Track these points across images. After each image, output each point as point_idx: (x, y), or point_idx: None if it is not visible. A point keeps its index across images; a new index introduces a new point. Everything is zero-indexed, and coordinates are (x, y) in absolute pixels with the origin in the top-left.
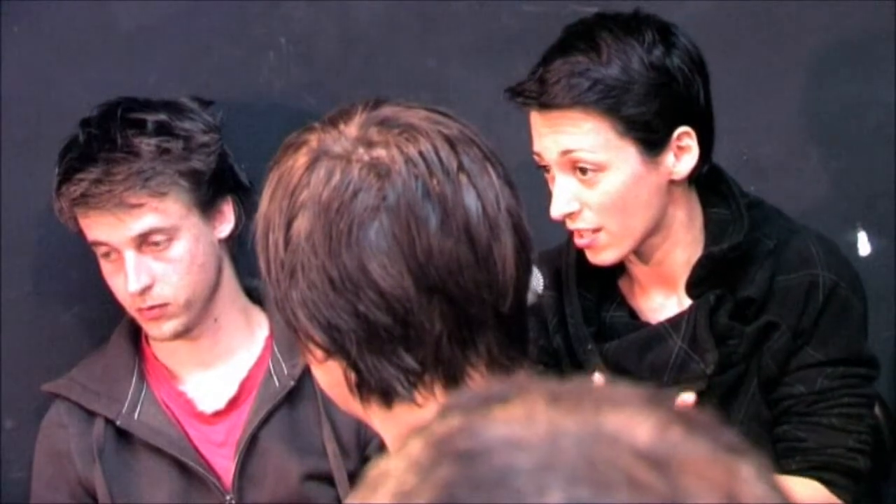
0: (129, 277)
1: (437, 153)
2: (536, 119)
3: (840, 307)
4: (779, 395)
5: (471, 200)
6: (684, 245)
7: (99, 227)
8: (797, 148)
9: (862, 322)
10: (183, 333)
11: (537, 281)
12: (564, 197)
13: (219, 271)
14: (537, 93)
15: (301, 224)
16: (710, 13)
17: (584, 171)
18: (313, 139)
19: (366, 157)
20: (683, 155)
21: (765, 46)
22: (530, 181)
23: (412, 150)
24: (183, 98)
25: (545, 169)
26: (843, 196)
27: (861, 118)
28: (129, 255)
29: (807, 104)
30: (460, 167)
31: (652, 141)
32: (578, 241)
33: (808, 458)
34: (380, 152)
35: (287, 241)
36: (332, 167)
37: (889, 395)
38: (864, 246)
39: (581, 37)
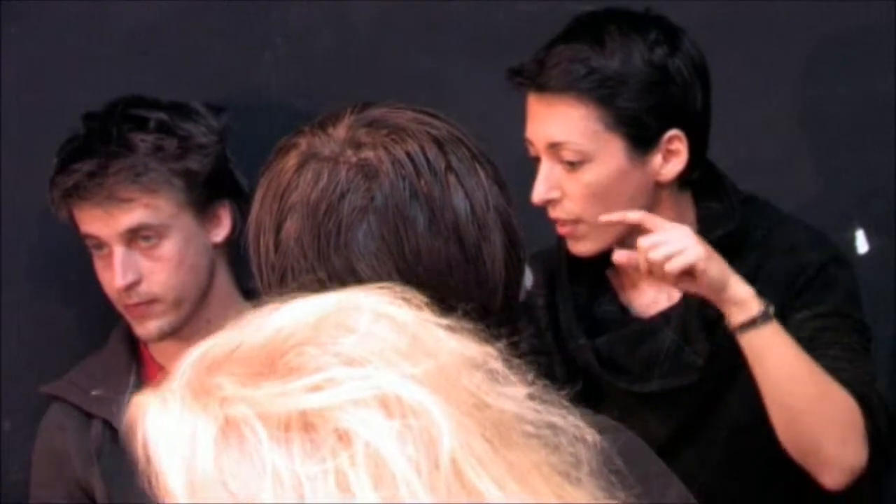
0: (116, 272)
1: (424, 154)
2: (532, 102)
3: (826, 281)
4: None
5: (459, 200)
6: None
7: (90, 220)
8: (795, 146)
9: (851, 294)
10: (169, 334)
11: (526, 277)
12: (547, 183)
13: (211, 275)
14: (534, 74)
15: (290, 226)
16: (710, 13)
17: (569, 161)
18: (303, 142)
19: (353, 159)
20: (672, 158)
21: (764, 45)
22: (527, 180)
23: (399, 151)
24: (194, 102)
25: (535, 159)
26: (841, 194)
27: (859, 117)
28: (118, 251)
29: (805, 103)
30: (448, 167)
31: (640, 138)
32: (559, 230)
33: None
34: (367, 153)
35: (277, 244)
36: (319, 169)
37: (889, 394)
38: (861, 244)
39: (588, 27)
